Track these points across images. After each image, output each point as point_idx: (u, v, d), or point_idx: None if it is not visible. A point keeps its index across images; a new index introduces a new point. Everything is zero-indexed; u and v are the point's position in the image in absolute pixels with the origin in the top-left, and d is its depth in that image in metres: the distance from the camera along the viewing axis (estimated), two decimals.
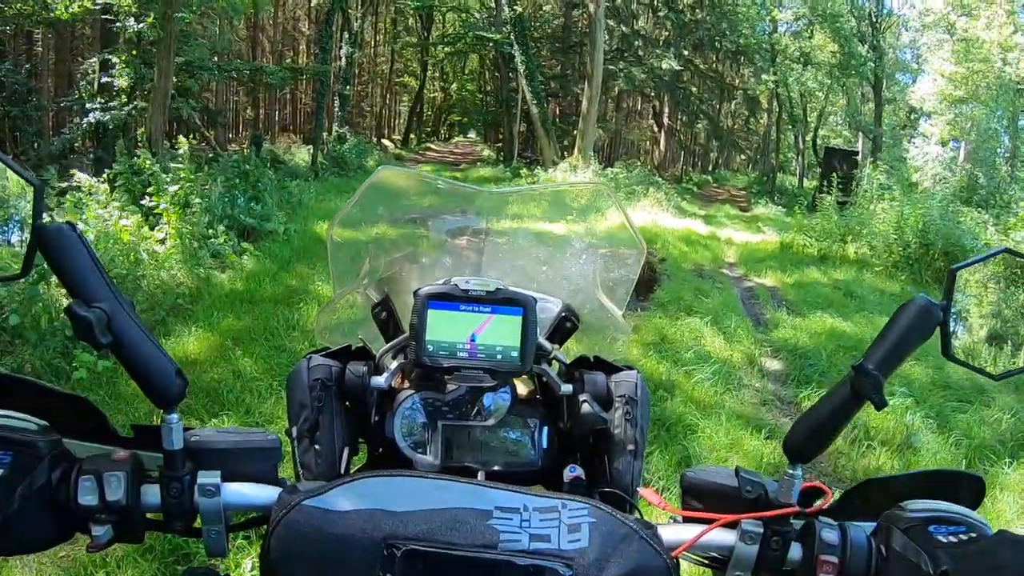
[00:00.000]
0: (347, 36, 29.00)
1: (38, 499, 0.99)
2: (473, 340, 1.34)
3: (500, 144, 37.15)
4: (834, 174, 18.86)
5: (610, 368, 1.46)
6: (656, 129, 41.24)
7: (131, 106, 13.84)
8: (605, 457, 1.37)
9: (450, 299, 1.34)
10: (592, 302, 1.65)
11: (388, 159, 30.35)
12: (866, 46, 33.80)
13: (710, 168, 52.00)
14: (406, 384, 1.45)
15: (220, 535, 1.07)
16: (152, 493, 1.04)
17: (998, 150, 24.44)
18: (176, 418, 1.04)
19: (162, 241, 8.45)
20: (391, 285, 1.58)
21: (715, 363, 7.02)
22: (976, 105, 26.76)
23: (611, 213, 1.73)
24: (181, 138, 10.34)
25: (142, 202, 9.10)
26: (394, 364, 1.41)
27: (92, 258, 0.99)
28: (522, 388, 1.51)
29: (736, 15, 35.40)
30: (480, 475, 1.36)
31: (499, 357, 1.34)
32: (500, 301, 1.34)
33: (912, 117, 42.29)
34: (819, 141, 42.62)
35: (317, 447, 1.29)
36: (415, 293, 1.35)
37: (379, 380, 1.35)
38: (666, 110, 39.04)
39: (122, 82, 13.75)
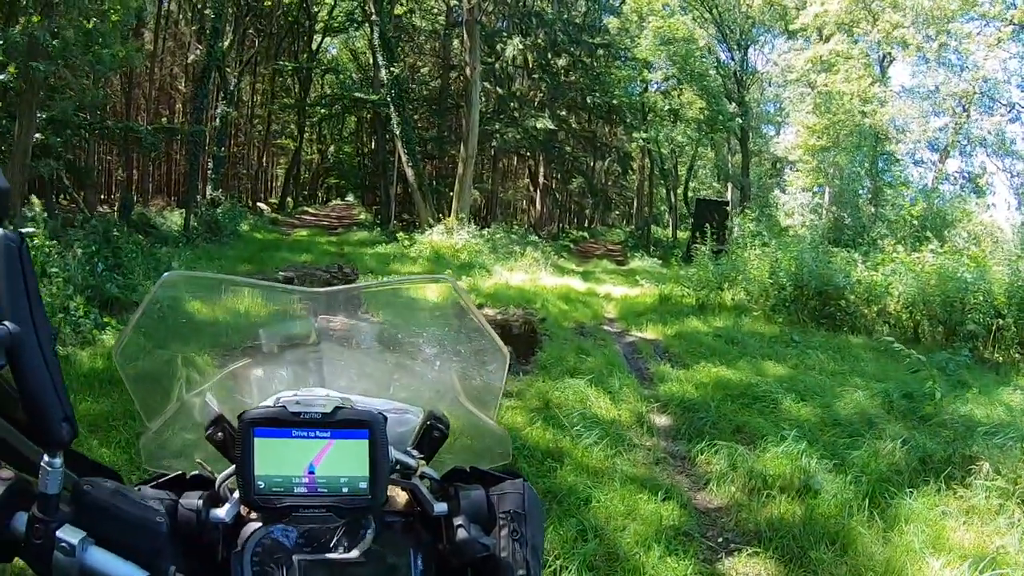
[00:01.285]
0: (223, 96, 28.49)
1: None
2: (312, 472, 1.21)
3: (377, 207, 36.79)
4: (707, 224, 19.23)
5: (490, 479, 1.35)
6: (532, 188, 41.71)
7: None
8: None
9: (280, 424, 1.19)
10: (459, 408, 1.52)
11: (263, 223, 29.70)
12: (732, 103, 35.13)
13: (586, 224, 52.76)
14: (254, 515, 1.27)
15: None
16: (23, 523, 0.98)
17: (860, 192, 25.51)
18: (58, 463, 0.98)
19: None
20: (224, 401, 1.39)
21: (603, 425, 6.75)
22: (837, 152, 27.98)
23: (463, 312, 1.58)
24: (33, 199, 9.64)
25: None
26: (238, 492, 1.23)
27: (24, 276, 0.94)
28: (399, 499, 1.36)
29: (609, 76, 36.31)
30: None
31: (345, 490, 1.21)
32: (340, 424, 1.20)
33: (777, 166, 44.06)
34: (690, 193, 44.09)
35: None
36: (239, 417, 1.20)
37: (219, 513, 1.21)
38: (542, 169, 39.53)
39: None
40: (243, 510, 1.26)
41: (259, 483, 1.18)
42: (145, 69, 30.50)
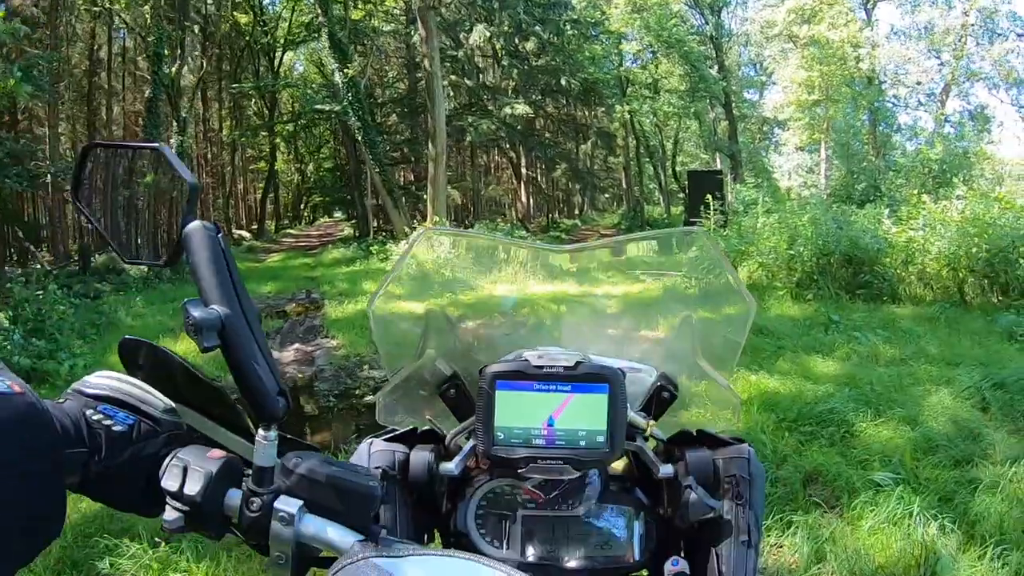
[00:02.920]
0: (175, 125, 26.68)
1: (139, 466, 1.01)
2: (551, 425, 1.23)
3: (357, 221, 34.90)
4: (709, 196, 17.31)
5: (716, 442, 1.33)
6: (516, 181, 39.79)
7: None
8: (712, 549, 1.23)
9: (522, 377, 1.23)
10: (692, 368, 1.47)
11: (238, 252, 27.98)
12: (714, 67, 33.57)
13: (576, 212, 51.41)
14: (480, 468, 1.34)
15: (285, 563, 0.98)
16: (236, 499, 1.00)
17: (858, 143, 23.80)
18: (273, 436, 0.99)
19: None
20: (459, 360, 1.43)
21: None
22: (829, 105, 26.45)
23: (710, 263, 1.52)
24: None
25: None
26: (467, 447, 1.30)
27: (226, 261, 0.97)
28: (617, 465, 1.38)
29: (581, 55, 34.50)
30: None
31: (582, 443, 1.23)
32: (581, 377, 1.22)
33: (764, 129, 43.42)
34: (678, 168, 42.70)
35: None
36: (480, 372, 1.25)
37: (449, 466, 1.27)
38: (523, 160, 37.69)
39: None
40: (470, 465, 1.32)
41: (499, 434, 1.22)
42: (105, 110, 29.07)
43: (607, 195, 53.53)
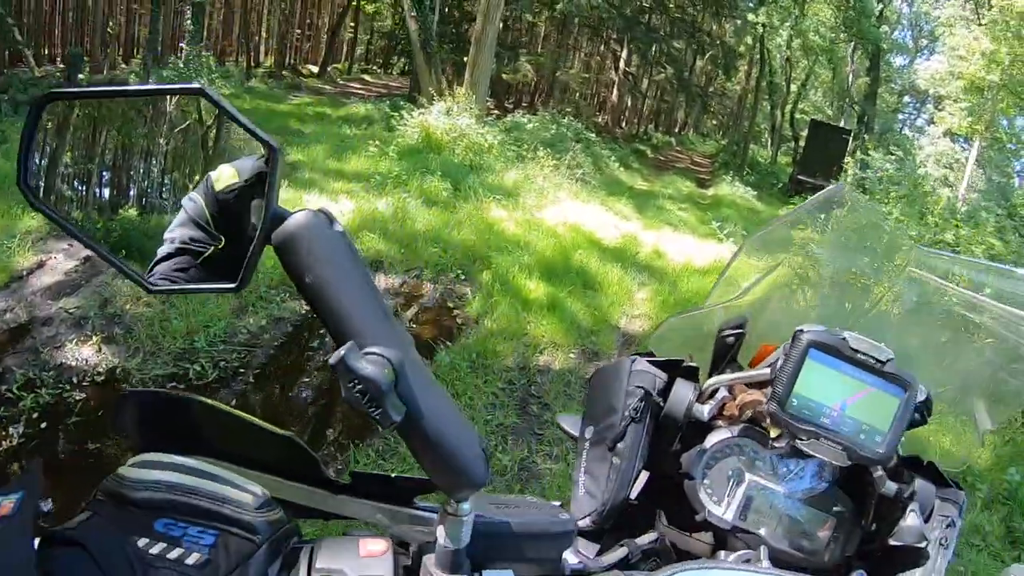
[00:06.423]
0: None
1: None
2: (843, 408, 1.19)
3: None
4: (848, 158, 12.36)
5: (939, 480, 1.29)
6: (615, 74, 34.03)
7: None
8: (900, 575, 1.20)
9: (837, 354, 1.19)
10: (958, 404, 1.47)
11: (274, 87, 23.55)
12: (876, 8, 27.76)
13: (677, 129, 46.03)
14: (724, 418, 1.31)
15: None
16: None
17: None
18: (467, 508, 0.80)
19: None
20: (756, 311, 1.45)
21: None
22: (1004, 96, 20.78)
23: None
24: None
25: None
26: (720, 395, 1.29)
27: (359, 271, 0.71)
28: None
29: None
30: (762, 550, 1.23)
31: (862, 437, 1.18)
32: (885, 375, 1.18)
33: (903, 101, 37.94)
34: (796, 115, 37.15)
35: (615, 460, 1.22)
36: (796, 332, 1.20)
37: (702, 409, 1.28)
38: (623, 53, 31.88)
39: None
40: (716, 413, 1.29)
41: (794, 400, 1.18)
42: None
43: (716, 121, 48.44)
